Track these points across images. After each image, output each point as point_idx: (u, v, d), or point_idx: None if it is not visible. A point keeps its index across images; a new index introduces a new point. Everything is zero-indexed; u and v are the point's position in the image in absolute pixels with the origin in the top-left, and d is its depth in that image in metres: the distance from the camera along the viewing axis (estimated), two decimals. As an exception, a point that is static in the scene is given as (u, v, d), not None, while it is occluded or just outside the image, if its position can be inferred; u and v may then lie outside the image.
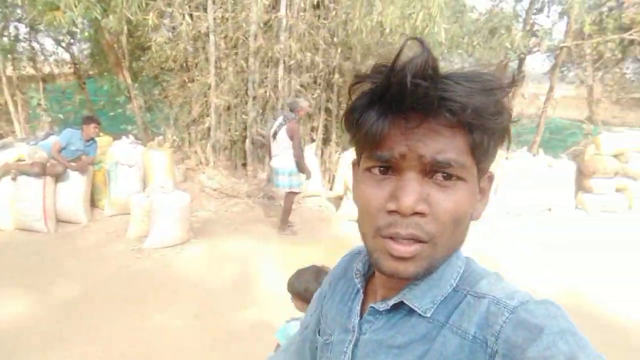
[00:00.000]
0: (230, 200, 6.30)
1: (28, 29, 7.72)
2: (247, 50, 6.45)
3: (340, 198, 6.48)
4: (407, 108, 0.56)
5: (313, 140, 7.06)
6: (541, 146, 7.80)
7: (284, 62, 6.45)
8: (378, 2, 5.33)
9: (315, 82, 6.81)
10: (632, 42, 7.72)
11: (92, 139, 5.62)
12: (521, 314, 0.55)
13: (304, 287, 2.20)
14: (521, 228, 6.12)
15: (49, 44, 8.89)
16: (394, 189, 0.59)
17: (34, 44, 8.13)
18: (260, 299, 3.93)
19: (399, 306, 0.67)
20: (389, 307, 0.68)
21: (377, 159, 0.60)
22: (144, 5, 5.76)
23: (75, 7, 4.99)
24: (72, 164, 5.46)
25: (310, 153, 6.78)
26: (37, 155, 5.32)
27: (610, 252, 5.15)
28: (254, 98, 6.61)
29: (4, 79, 7.03)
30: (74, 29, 6.60)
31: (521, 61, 8.09)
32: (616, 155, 7.06)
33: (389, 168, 0.60)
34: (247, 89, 6.61)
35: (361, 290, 0.77)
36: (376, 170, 0.61)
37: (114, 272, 4.35)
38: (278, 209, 6.14)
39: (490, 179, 0.67)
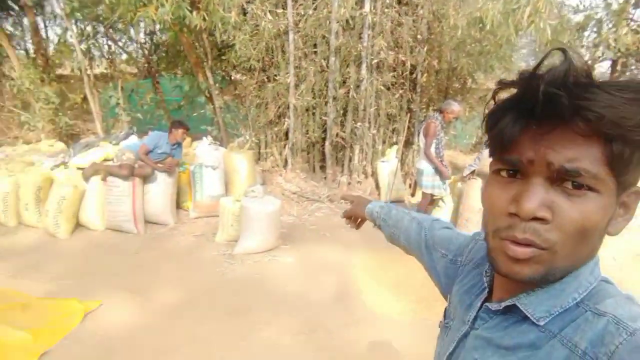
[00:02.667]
0: (312, 204, 6.14)
1: (105, 28, 7.81)
2: (328, 48, 6.26)
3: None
4: (539, 116, 0.56)
5: (395, 144, 6.80)
6: None
7: (367, 61, 6.22)
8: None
9: (397, 82, 6.54)
10: None
11: (178, 142, 5.59)
12: None
13: None
14: None
15: (122, 43, 9.06)
16: (518, 192, 0.59)
17: (111, 43, 8.26)
18: (368, 318, 3.72)
19: (513, 310, 0.67)
20: (501, 308, 0.68)
21: (506, 162, 0.61)
22: (226, 3, 5.68)
23: (167, 1, 4.94)
24: (160, 165, 5.44)
25: (392, 156, 6.54)
26: (124, 156, 5.32)
27: None
28: (334, 98, 6.42)
29: (85, 78, 7.13)
30: (156, 27, 6.59)
31: (614, 62, 7.55)
32: None
33: (518, 172, 0.61)
34: (327, 89, 6.42)
35: (487, 290, 0.77)
36: (504, 173, 0.62)
37: (210, 279, 4.24)
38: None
39: (638, 194, 0.63)
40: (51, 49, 9.32)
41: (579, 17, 7.18)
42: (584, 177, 0.56)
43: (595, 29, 7.14)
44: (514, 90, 0.61)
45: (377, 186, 6.64)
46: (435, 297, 3.78)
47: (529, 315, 0.64)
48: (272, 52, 6.42)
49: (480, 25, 5.20)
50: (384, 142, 6.84)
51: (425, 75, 6.49)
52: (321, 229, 5.53)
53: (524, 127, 0.58)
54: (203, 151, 5.93)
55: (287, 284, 4.19)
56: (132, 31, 8.66)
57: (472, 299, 0.79)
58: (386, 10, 6.13)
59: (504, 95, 0.63)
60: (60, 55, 8.72)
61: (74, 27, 7.81)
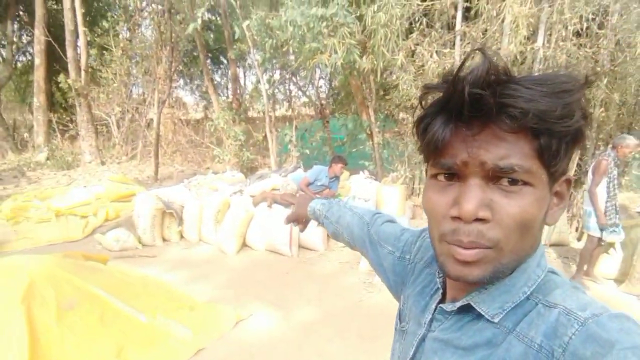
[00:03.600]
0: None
1: (288, 74, 8.89)
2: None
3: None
4: (467, 117, 0.57)
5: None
6: None
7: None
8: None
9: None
10: None
11: (337, 176, 6.01)
12: (592, 327, 0.53)
13: None
14: None
15: (297, 87, 10.17)
16: (457, 195, 0.60)
17: (292, 88, 9.37)
18: None
19: (467, 309, 0.67)
20: (455, 309, 0.68)
21: (441, 166, 0.62)
22: (394, 45, 6.00)
23: (339, 50, 5.46)
24: (317, 196, 5.90)
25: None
26: (288, 186, 5.92)
27: None
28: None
29: (267, 118, 8.19)
30: (330, 70, 7.29)
31: None
32: None
33: (454, 175, 0.61)
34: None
35: (440, 291, 0.76)
36: (441, 177, 0.63)
37: (348, 303, 4.42)
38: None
39: (569, 183, 0.65)
40: (245, 94, 10.95)
41: None
42: (517, 173, 0.57)
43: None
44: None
45: (540, 230, 6.07)
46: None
47: (483, 313, 0.64)
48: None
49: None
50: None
51: (603, 109, 5.80)
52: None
53: (454, 129, 0.59)
54: (358, 184, 6.26)
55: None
56: (310, 77, 9.65)
57: (426, 300, 0.79)
58: (561, 43, 5.74)
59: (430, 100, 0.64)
60: (251, 99, 10.18)
61: (264, 75, 9.08)
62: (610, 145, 4.71)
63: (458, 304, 0.67)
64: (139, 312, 3.89)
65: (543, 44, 5.71)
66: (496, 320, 0.62)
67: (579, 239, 5.99)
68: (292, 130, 8.23)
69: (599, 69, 5.74)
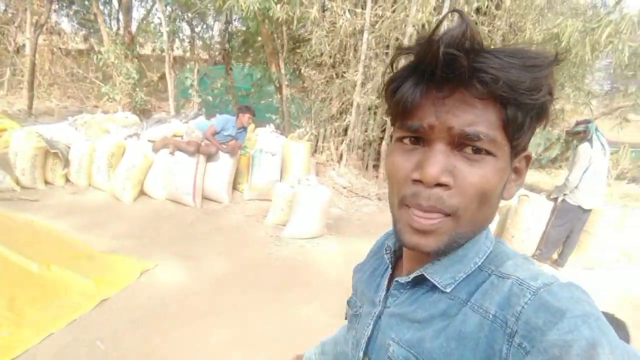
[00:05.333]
0: (360, 200, 6.25)
1: (191, 13, 8.27)
2: (398, 51, 6.32)
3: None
4: (439, 78, 0.56)
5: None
6: None
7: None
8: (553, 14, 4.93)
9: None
10: None
11: (244, 126, 5.86)
12: (544, 295, 0.54)
13: None
14: None
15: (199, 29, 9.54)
16: (421, 159, 0.59)
17: (194, 27, 8.73)
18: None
19: (422, 282, 0.67)
20: (409, 280, 0.69)
21: (407, 128, 0.61)
22: (308, -1, 5.89)
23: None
24: (224, 146, 5.74)
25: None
26: (193, 134, 5.65)
27: None
28: (398, 100, 6.48)
29: (167, 58, 7.59)
30: (234, 17, 6.93)
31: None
32: None
33: (420, 139, 0.61)
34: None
35: (390, 266, 0.78)
36: (407, 140, 0.62)
37: (258, 256, 4.46)
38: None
39: (528, 159, 0.66)
40: (134, 27, 9.95)
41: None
42: (482, 141, 0.57)
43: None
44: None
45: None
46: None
47: (436, 284, 0.65)
48: (345, 50, 6.58)
49: (556, 41, 5.09)
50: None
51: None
52: (366, 225, 5.63)
53: (425, 92, 0.58)
54: (265, 138, 6.19)
55: (329, 270, 4.33)
56: (210, 19, 9.08)
57: (377, 280, 0.80)
58: (464, 17, 6.10)
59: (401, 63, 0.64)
60: (145, 35, 9.32)
61: (165, 9, 8.29)
62: None
63: (412, 275, 0.68)
64: (30, 261, 3.53)
65: (448, 16, 6.02)
66: (448, 290, 0.63)
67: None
68: (194, 74, 7.77)
69: (492, 47, 6.25)
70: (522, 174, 0.66)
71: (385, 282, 0.76)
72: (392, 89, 0.62)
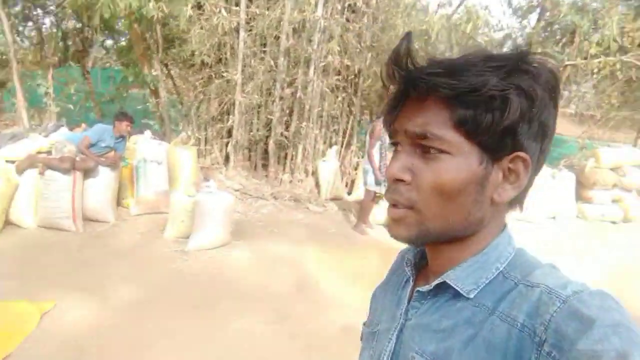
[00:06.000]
0: (257, 201, 6.18)
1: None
2: (278, 49, 6.35)
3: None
4: (405, 93, 0.64)
5: (335, 144, 7.05)
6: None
7: (315, 64, 6.40)
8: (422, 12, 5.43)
9: (341, 85, 6.80)
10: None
11: (122, 135, 5.36)
12: (574, 303, 0.54)
13: None
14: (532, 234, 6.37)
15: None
16: None
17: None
18: (333, 305, 3.90)
19: (444, 290, 0.68)
20: (431, 288, 0.69)
21: (390, 137, 0.69)
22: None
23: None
24: (102, 159, 5.19)
25: (332, 156, 6.78)
26: (65, 149, 5.00)
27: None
28: (281, 98, 6.52)
29: (14, 64, 6.48)
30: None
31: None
32: (614, 169, 7.54)
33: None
34: (274, 89, 6.50)
35: (411, 278, 0.78)
36: (395, 147, 0.68)
37: (167, 275, 4.16)
38: (306, 211, 6.11)
39: (525, 162, 0.64)
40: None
41: (499, 35, 7.93)
42: (430, 140, 0.61)
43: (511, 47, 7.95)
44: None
45: (317, 184, 6.84)
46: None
47: (458, 289, 0.65)
48: (221, 49, 6.37)
49: (426, 37, 5.60)
50: (324, 142, 7.06)
51: (369, 80, 6.79)
52: (269, 225, 5.61)
53: (392, 103, 0.67)
54: (146, 146, 5.74)
55: (248, 278, 4.23)
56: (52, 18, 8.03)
57: (398, 294, 0.79)
58: (336, 16, 6.35)
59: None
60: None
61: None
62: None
63: (434, 282, 0.68)
64: None
65: (322, 14, 6.24)
66: (472, 296, 0.64)
67: (349, 193, 7.00)
68: (48, 80, 6.80)
69: (362, 43, 6.64)
70: (520, 176, 0.64)
71: (407, 295, 0.76)
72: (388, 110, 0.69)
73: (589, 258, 5.54)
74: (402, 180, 0.64)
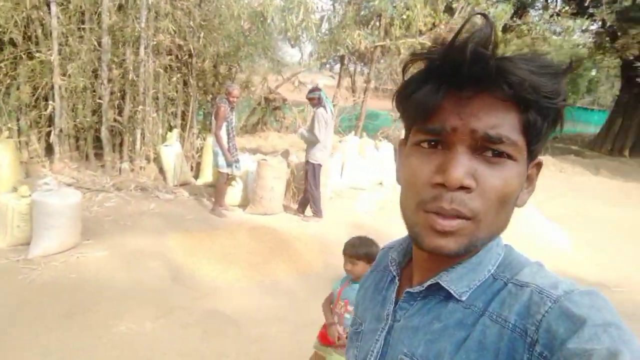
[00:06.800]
0: (98, 195, 5.64)
1: None
2: (100, 27, 5.78)
3: (212, 186, 6.45)
4: (463, 79, 0.56)
5: (173, 127, 6.77)
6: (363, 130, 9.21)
7: (145, 43, 6.02)
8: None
9: (175, 65, 6.53)
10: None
11: None
12: (565, 303, 0.53)
13: (365, 251, 2.32)
14: (369, 198, 7.23)
15: None
16: (442, 162, 0.59)
17: None
18: (213, 289, 3.95)
19: (434, 291, 0.66)
20: (423, 289, 0.66)
21: (428, 132, 0.60)
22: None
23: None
24: None
25: (174, 140, 6.55)
26: None
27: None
28: (110, 80, 5.98)
29: None
30: None
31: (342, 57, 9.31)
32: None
33: (438, 143, 0.60)
34: (100, 70, 5.92)
35: (397, 278, 0.75)
36: (425, 144, 0.61)
37: (16, 288, 3.63)
38: (157, 200, 5.84)
39: (539, 166, 0.66)
40: None
41: (317, 17, 8.50)
42: (504, 144, 0.57)
43: (328, 28, 8.62)
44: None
45: (162, 170, 6.54)
46: (265, 260, 4.47)
47: (451, 292, 0.63)
48: (30, 25, 5.51)
49: (262, 18, 5.75)
50: (163, 126, 6.73)
51: (202, 61, 6.65)
52: (119, 219, 5.21)
53: (446, 94, 0.58)
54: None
55: (116, 277, 3.97)
56: None
57: (383, 294, 0.77)
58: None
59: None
60: None
61: None
62: (225, 93, 5.59)
63: (426, 284, 0.66)
64: None
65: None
66: (463, 299, 0.63)
67: (196, 177, 6.85)
68: None
69: (192, 23, 6.46)
70: (533, 181, 0.66)
71: (393, 295, 0.73)
72: (407, 92, 0.62)
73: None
74: (465, 188, 0.57)
